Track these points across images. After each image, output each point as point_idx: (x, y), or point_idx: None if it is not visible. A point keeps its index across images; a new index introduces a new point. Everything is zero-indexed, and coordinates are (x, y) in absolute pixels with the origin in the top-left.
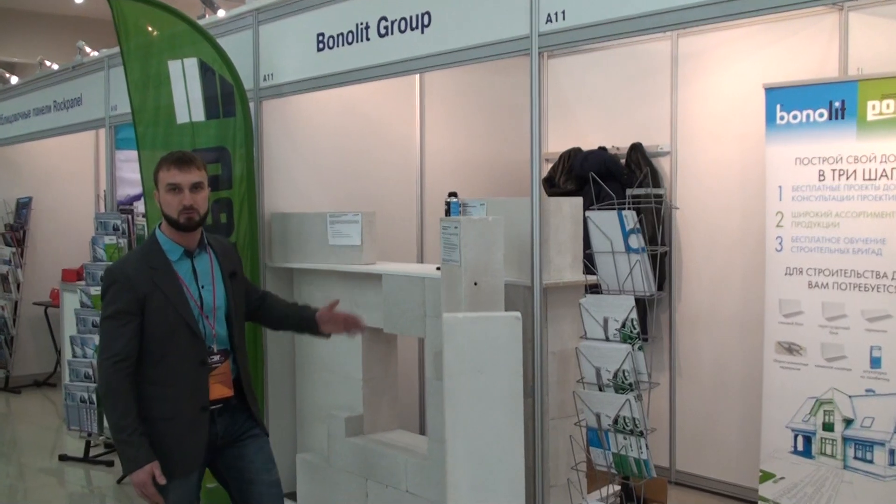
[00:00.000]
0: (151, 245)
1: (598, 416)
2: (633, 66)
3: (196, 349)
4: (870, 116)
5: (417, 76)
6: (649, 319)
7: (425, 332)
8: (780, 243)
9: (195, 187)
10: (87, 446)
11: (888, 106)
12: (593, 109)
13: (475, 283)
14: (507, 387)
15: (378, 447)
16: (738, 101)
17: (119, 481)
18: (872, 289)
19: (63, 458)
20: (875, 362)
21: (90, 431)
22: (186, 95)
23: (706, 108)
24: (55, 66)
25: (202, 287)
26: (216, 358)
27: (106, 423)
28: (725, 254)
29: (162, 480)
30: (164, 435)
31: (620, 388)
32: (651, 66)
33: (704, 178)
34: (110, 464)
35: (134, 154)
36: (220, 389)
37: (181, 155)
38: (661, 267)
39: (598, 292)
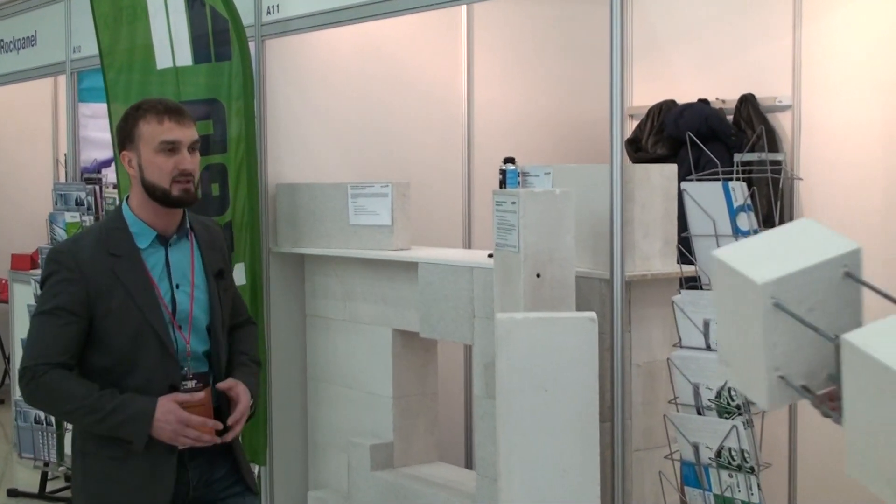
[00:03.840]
0: (115, 223)
1: (695, 448)
2: None
3: (166, 368)
4: None
5: (464, 8)
6: None
7: (473, 337)
8: None
9: (195, 147)
10: (44, 478)
11: None
12: (691, 51)
13: (538, 275)
14: (578, 408)
15: (412, 484)
16: (880, 39)
17: None
18: None
19: (13, 493)
20: None
21: (47, 460)
22: (169, 33)
23: (838, 50)
24: None
25: (176, 286)
26: (191, 384)
27: (67, 451)
28: (862, 239)
29: (192, 396)
30: (115, 481)
31: (725, 412)
32: None
33: (836, 140)
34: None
35: (102, 108)
36: None
37: (172, 103)
38: None
39: (696, 287)
